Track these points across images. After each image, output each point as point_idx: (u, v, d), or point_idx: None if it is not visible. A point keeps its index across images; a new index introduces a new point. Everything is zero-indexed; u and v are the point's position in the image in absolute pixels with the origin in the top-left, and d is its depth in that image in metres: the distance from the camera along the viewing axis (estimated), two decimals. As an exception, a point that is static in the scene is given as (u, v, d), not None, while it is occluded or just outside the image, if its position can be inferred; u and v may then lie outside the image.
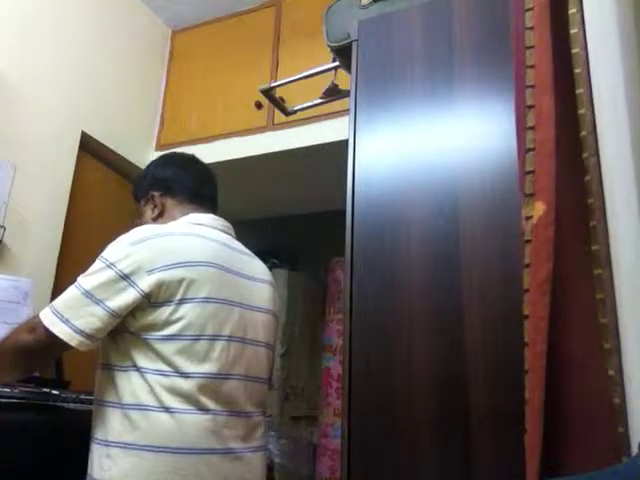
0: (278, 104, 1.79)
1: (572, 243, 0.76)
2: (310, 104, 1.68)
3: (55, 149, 2.28)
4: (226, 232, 1.25)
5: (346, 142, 1.14)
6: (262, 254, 3.98)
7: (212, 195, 1.33)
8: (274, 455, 3.05)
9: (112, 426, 1.02)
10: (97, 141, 2.49)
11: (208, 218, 1.23)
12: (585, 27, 0.80)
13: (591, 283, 0.73)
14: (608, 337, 0.70)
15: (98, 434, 1.04)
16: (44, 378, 1.42)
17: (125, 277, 1.03)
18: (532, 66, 0.82)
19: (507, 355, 0.83)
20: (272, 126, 2.55)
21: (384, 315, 0.99)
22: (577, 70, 0.79)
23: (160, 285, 1.03)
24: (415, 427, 0.91)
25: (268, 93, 1.73)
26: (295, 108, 1.75)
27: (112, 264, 1.04)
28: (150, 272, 1.04)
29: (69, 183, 2.32)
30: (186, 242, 1.12)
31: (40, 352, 1.06)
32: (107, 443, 1.01)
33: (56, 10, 2.36)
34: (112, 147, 2.55)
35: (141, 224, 1.28)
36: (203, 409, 1.02)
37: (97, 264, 1.07)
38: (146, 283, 1.03)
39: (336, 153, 1.30)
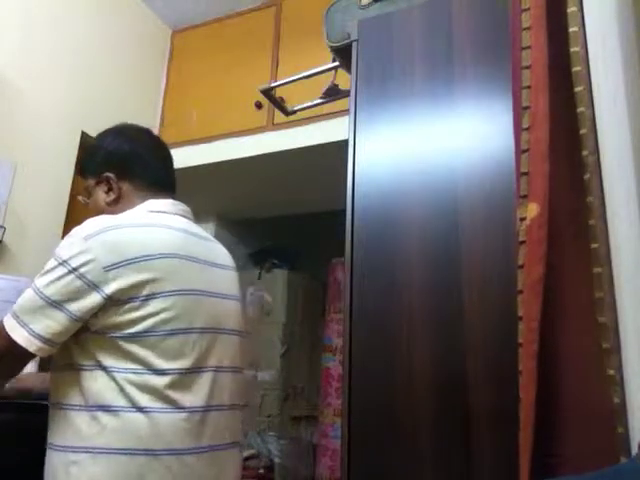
0: (278, 104, 1.79)
1: (570, 242, 0.76)
2: (310, 104, 1.68)
3: (55, 149, 2.28)
4: (186, 217, 1.16)
5: (346, 142, 1.14)
6: (262, 254, 3.96)
7: (172, 178, 1.23)
8: (274, 455, 3.05)
9: (78, 430, 0.94)
10: (97, 141, 2.49)
11: (168, 204, 1.14)
12: (585, 25, 0.80)
13: (590, 282, 0.73)
14: (607, 336, 0.70)
15: (58, 440, 0.96)
16: (44, 378, 1.42)
17: (81, 276, 0.95)
18: (528, 67, 0.81)
19: (507, 355, 0.83)
20: (272, 126, 2.56)
21: (384, 315, 0.99)
22: (576, 68, 0.79)
23: (121, 282, 0.96)
24: (415, 427, 0.91)
25: (268, 93, 1.73)
26: (295, 108, 1.75)
27: (65, 262, 0.96)
28: (108, 269, 0.96)
29: (69, 183, 2.32)
30: (146, 234, 1.04)
31: (4, 359, 0.98)
32: (73, 449, 0.94)
33: (56, 10, 2.35)
34: (112, 147, 2.55)
35: (90, 205, 1.19)
36: (179, 407, 0.97)
37: (50, 262, 0.98)
38: (104, 281, 0.95)
39: (336, 153, 1.30)
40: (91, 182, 1.18)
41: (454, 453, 0.87)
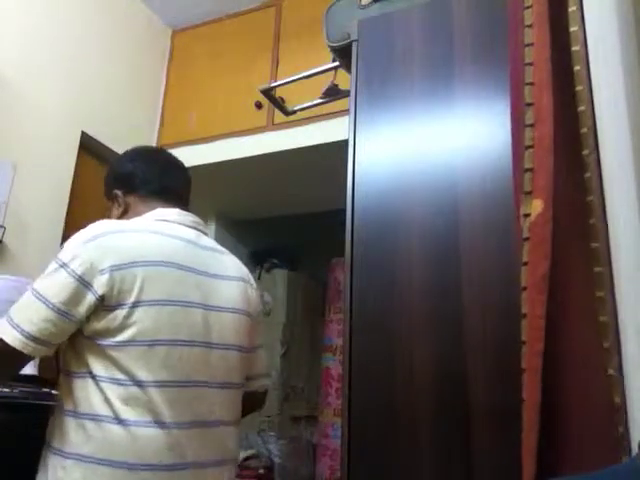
0: (278, 104, 1.79)
1: (571, 241, 0.76)
2: (310, 104, 1.68)
3: (55, 149, 2.28)
4: (195, 228, 1.17)
5: (346, 142, 1.14)
6: (262, 254, 3.95)
7: (179, 188, 1.26)
8: (274, 455, 3.05)
9: (68, 436, 0.96)
10: (97, 141, 2.49)
11: (174, 213, 1.16)
12: (585, 25, 0.80)
13: (591, 281, 0.73)
14: (608, 336, 0.70)
15: (55, 443, 0.98)
16: (44, 378, 1.42)
17: (79, 278, 0.97)
18: (531, 63, 0.82)
19: (507, 354, 0.83)
20: (272, 126, 2.56)
21: (384, 315, 0.99)
22: (577, 67, 0.79)
23: (112, 286, 0.97)
24: (415, 427, 0.91)
25: (268, 93, 1.73)
26: (295, 108, 1.75)
27: (65, 264, 0.98)
28: (102, 272, 0.97)
29: (69, 183, 2.32)
30: (142, 240, 1.05)
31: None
32: (63, 454, 0.95)
33: (56, 10, 2.36)
34: (112, 147, 2.55)
35: None
36: (160, 421, 0.96)
37: (51, 265, 1.00)
38: (99, 283, 0.96)
39: (336, 153, 1.30)
40: (110, 203, 1.25)
41: (454, 453, 0.87)
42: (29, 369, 1.43)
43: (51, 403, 1.21)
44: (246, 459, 2.90)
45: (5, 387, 1.18)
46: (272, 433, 3.10)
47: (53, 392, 1.26)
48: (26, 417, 1.16)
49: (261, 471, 2.92)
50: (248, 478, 2.82)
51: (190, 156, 2.62)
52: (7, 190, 2.03)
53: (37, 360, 1.50)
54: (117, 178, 1.25)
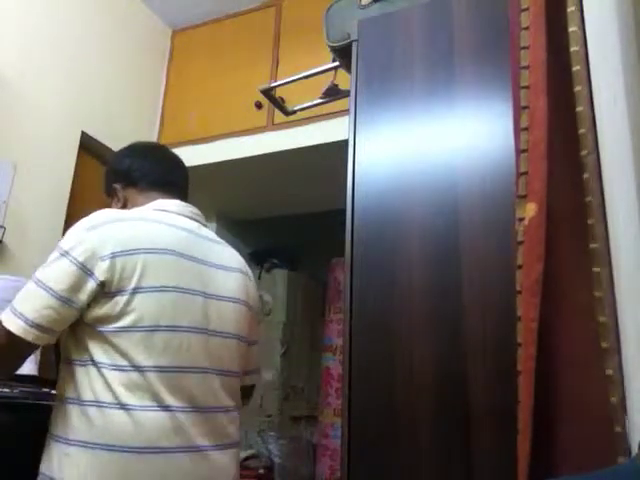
0: (278, 104, 1.79)
1: (569, 242, 0.76)
2: (310, 104, 1.68)
3: (55, 149, 2.28)
4: (194, 219, 1.19)
5: (346, 142, 1.14)
6: (262, 254, 3.95)
7: (179, 181, 1.28)
8: (274, 455, 3.05)
9: (72, 423, 0.97)
10: (97, 141, 2.49)
11: (174, 204, 1.18)
12: (585, 25, 0.80)
13: (590, 282, 0.73)
14: (607, 336, 0.70)
15: (59, 432, 0.99)
16: (44, 378, 1.42)
17: (80, 265, 0.99)
18: (526, 67, 0.81)
19: (507, 354, 0.83)
20: (272, 126, 2.56)
21: (384, 315, 0.99)
22: (576, 68, 0.79)
23: (113, 272, 0.99)
24: (415, 427, 0.91)
25: (268, 93, 1.73)
26: (295, 108, 1.75)
27: (66, 252, 1.01)
28: (103, 258, 0.99)
29: (69, 183, 2.32)
30: (142, 228, 1.07)
31: (3, 352, 1.01)
32: (67, 441, 0.97)
33: (56, 10, 2.36)
34: (112, 147, 2.55)
35: None
36: (162, 405, 0.97)
37: (53, 253, 1.03)
38: (100, 270, 0.98)
39: (336, 153, 1.30)
40: (109, 199, 1.28)
41: (454, 453, 0.87)
42: (29, 369, 1.43)
43: (51, 403, 1.21)
44: (246, 459, 2.90)
45: (5, 387, 1.18)
46: (272, 433, 3.10)
47: (53, 392, 1.26)
48: (26, 417, 1.16)
49: (261, 471, 2.92)
50: (248, 478, 2.82)
51: (190, 156, 2.61)
52: (7, 190, 2.03)
53: (37, 358, 1.50)
54: (116, 172, 1.27)
